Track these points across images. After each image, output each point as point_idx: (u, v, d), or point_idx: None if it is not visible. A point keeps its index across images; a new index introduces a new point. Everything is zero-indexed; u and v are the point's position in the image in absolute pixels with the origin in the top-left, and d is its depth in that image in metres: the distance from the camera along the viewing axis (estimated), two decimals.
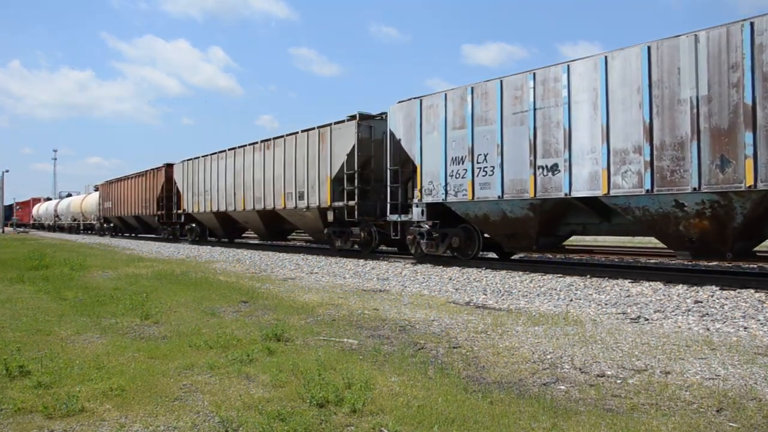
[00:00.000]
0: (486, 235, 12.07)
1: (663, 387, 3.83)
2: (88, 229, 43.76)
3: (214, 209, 22.04)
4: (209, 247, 22.60)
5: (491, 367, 4.41)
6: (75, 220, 45.91)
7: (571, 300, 7.75)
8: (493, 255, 13.56)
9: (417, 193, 12.63)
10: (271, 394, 3.71)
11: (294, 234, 23.32)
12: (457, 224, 12.28)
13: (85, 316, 6.69)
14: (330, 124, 15.75)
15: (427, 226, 12.74)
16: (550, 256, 14.62)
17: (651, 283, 8.70)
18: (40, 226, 59.68)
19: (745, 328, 5.77)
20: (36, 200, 66.33)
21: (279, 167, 17.96)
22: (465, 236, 12.19)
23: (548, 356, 4.70)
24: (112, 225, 36.99)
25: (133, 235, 35.67)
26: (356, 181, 14.72)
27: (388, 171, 13.69)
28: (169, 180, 26.56)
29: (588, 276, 9.85)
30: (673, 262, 12.70)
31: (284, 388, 3.84)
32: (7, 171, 72.08)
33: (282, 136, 17.95)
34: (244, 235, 25.48)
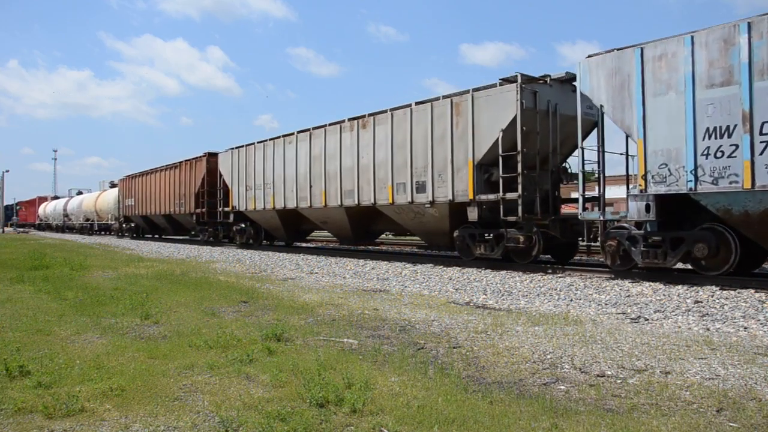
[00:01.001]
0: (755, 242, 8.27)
1: (663, 387, 3.83)
2: (104, 229, 40.18)
3: (278, 206, 17.78)
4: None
5: (491, 367, 4.41)
6: (88, 219, 42.27)
7: (571, 300, 7.75)
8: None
9: (640, 180, 8.98)
10: (271, 394, 3.71)
11: (315, 234, 21.24)
12: (695, 225, 8.81)
13: (85, 316, 6.69)
14: (469, 91, 11.80)
15: (634, 228, 9.33)
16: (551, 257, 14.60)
17: (651, 283, 8.69)
18: (47, 227, 56.34)
19: (745, 328, 5.77)
20: (42, 199, 62.21)
21: (382, 151, 13.79)
22: (715, 243, 8.50)
23: (548, 356, 4.70)
24: (133, 225, 33.08)
25: (160, 237, 31.99)
26: (519, 166, 10.76)
27: (581, 150, 10.11)
28: (212, 172, 22.31)
29: (588, 276, 9.84)
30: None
31: (284, 388, 3.83)
32: (7, 171, 71.22)
33: (385, 111, 13.92)
34: (309, 236, 21.93)
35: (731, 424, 3.17)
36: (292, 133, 17.31)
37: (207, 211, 22.50)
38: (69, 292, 8.58)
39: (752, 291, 7.65)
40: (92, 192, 47.75)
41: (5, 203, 59.98)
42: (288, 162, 17.41)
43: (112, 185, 40.41)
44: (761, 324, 5.90)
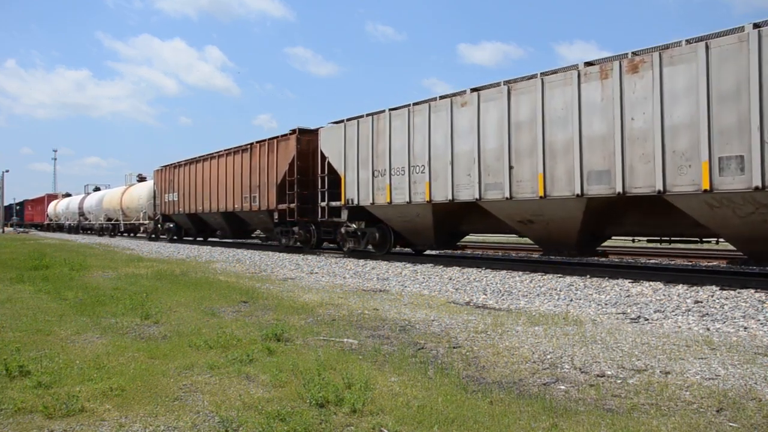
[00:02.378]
0: None
1: (663, 387, 3.83)
2: (131, 231, 34.44)
3: (438, 197, 12.25)
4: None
5: (491, 367, 4.41)
6: (111, 219, 36.33)
7: (571, 300, 7.75)
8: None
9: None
10: (271, 394, 3.71)
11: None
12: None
13: (85, 316, 6.69)
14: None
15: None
16: (553, 257, 14.62)
17: (651, 283, 8.69)
18: (58, 227, 51.25)
19: (745, 328, 5.77)
20: (52, 197, 57.43)
21: (683, 106, 8.38)
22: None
23: (548, 356, 4.70)
24: (172, 225, 27.36)
25: (210, 239, 26.06)
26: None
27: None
28: (304, 155, 17.09)
29: (588, 276, 9.85)
30: (673, 262, 12.69)
31: (284, 388, 3.84)
32: (7, 171, 70.43)
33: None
34: (461, 242, 15.34)
35: (731, 424, 3.17)
36: (463, 92, 11.92)
37: (298, 207, 16.92)
38: (69, 292, 8.58)
39: (752, 291, 7.65)
40: (112, 188, 41.65)
41: (5, 203, 59.41)
42: (462, 133, 11.76)
43: (141, 179, 35.23)
44: (761, 324, 5.90)
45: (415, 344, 5.19)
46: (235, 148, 20.69)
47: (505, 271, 10.88)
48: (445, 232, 13.36)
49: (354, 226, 15.32)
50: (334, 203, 15.66)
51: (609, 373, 4.21)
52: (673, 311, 6.73)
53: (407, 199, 13.03)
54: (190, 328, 5.92)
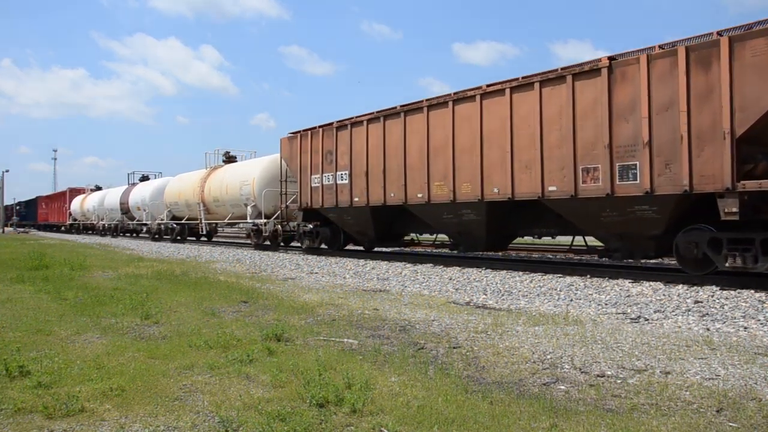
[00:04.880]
0: None
1: (663, 387, 3.83)
2: (212, 233, 25.28)
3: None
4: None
5: (491, 368, 4.41)
6: (178, 217, 26.22)
7: (572, 300, 7.75)
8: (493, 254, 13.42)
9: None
10: (271, 394, 3.71)
11: None
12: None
13: (85, 316, 6.69)
14: None
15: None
16: (551, 256, 14.62)
17: (651, 283, 8.69)
18: (86, 228, 41.97)
19: (745, 328, 5.77)
20: (76, 191, 46.86)
21: None
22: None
23: (548, 356, 4.70)
24: (326, 228, 16.14)
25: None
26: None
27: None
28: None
29: (588, 276, 9.85)
30: (673, 262, 12.67)
31: (284, 388, 3.84)
32: (7, 171, 70.22)
33: None
34: None
35: (731, 424, 3.17)
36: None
37: None
38: (69, 292, 8.59)
39: (752, 291, 7.65)
40: (158, 179, 32.13)
41: (5, 203, 58.63)
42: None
43: (228, 157, 24.42)
44: (761, 324, 5.90)
45: (415, 344, 5.19)
46: (549, 73, 10.13)
47: (505, 271, 10.88)
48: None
49: None
50: None
51: (609, 373, 4.21)
52: (673, 311, 6.73)
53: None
54: (190, 328, 5.92)
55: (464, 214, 11.65)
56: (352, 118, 14.72)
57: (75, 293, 8.52)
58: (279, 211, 18.47)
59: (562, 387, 3.91)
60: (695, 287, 8.15)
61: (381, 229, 14.79)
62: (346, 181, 14.78)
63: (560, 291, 8.46)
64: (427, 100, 12.55)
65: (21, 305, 7.51)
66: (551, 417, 3.26)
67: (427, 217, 12.81)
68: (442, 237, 14.41)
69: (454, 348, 5.03)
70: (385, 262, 13.75)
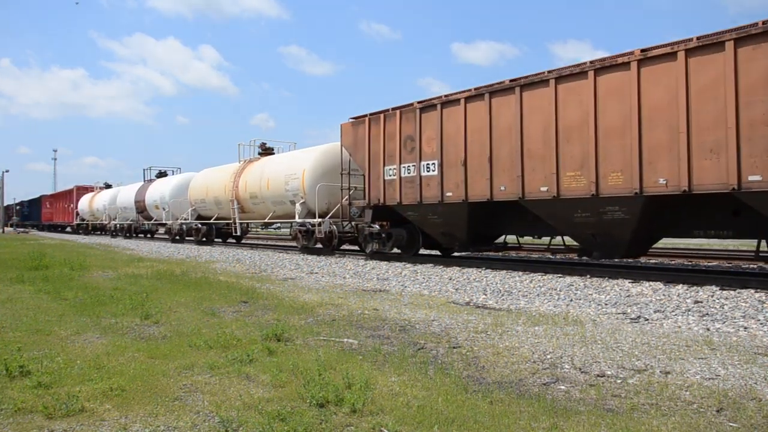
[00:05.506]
0: None
1: (663, 387, 3.83)
2: (244, 234, 22.69)
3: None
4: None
5: (491, 367, 4.41)
6: (203, 217, 23.56)
7: (571, 300, 7.75)
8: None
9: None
10: (271, 394, 3.71)
11: None
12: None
13: (85, 316, 6.69)
14: None
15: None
16: (551, 256, 14.63)
17: (651, 283, 8.70)
18: (95, 229, 39.93)
19: (745, 328, 5.77)
20: (84, 189, 43.94)
21: None
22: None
23: (548, 356, 4.70)
24: (402, 229, 13.88)
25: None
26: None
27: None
28: None
29: (588, 276, 9.85)
30: (673, 262, 12.70)
31: (284, 388, 3.84)
32: (7, 171, 69.97)
33: None
34: None
35: (731, 424, 3.17)
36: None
37: None
38: (69, 292, 8.59)
39: (752, 291, 7.65)
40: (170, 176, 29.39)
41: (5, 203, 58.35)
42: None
43: (265, 149, 21.53)
44: (761, 324, 5.90)
45: (415, 344, 5.19)
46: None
47: (505, 271, 10.89)
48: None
49: None
50: None
51: (609, 373, 4.21)
52: (673, 311, 6.73)
53: None
54: (190, 328, 5.92)
55: (607, 212, 9.33)
56: (441, 96, 12.37)
57: (75, 293, 8.52)
58: (335, 209, 15.98)
59: (562, 387, 3.91)
60: (695, 287, 8.15)
61: (475, 231, 12.15)
62: (434, 173, 12.26)
63: (560, 291, 8.47)
64: (551, 71, 10.31)
65: (21, 305, 7.50)
66: (551, 417, 3.26)
67: (549, 216, 10.32)
68: (543, 239, 12.20)
69: (454, 348, 5.03)
70: (385, 262, 13.75)
